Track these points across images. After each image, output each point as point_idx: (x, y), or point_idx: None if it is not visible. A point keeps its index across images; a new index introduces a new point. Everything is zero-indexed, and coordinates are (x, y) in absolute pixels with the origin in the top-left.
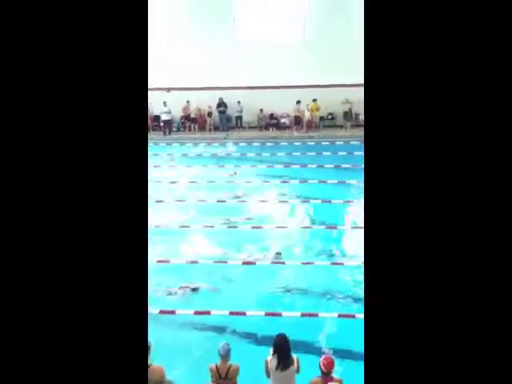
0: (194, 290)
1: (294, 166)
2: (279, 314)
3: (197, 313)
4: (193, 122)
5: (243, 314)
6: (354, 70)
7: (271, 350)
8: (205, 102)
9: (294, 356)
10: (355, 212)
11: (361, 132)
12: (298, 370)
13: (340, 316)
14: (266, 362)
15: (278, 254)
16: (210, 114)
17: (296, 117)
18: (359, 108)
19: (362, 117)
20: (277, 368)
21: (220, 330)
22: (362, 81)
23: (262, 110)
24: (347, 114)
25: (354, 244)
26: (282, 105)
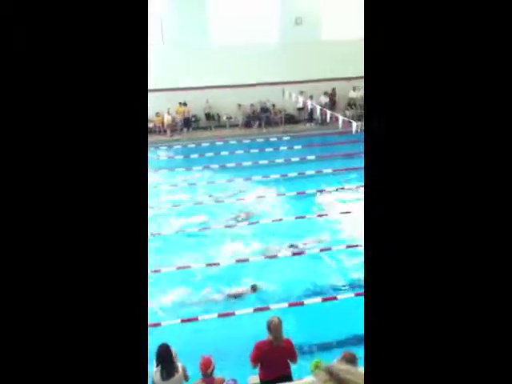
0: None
1: (162, 170)
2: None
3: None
4: None
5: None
6: (215, 72)
7: (155, 362)
8: None
9: (180, 364)
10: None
11: (222, 132)
12: (186, 379)
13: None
14: (152, 376)
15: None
16: None
17: (154, 122)
18: (220, 109)
19: (224, 117)
20: (162, 378)
21: None
22: (221, 82)
23: None
24: (209, 116)
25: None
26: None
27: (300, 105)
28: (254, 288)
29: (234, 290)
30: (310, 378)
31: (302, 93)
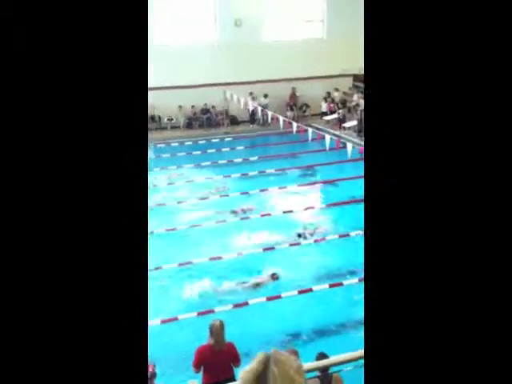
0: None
1: None
2: None
3: None
4: None
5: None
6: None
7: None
8: None
9: None
10: None
11: (164, 134)
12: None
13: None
14: None
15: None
16: None
17: None
18: (161, 111)
19: (165, 119)
20: None
21: None
22: (161, 83)
23: None
24: (153, 118)
25: None
26: None
27: (250, 107)
28: (274, 276)
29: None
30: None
31: (249, 93)
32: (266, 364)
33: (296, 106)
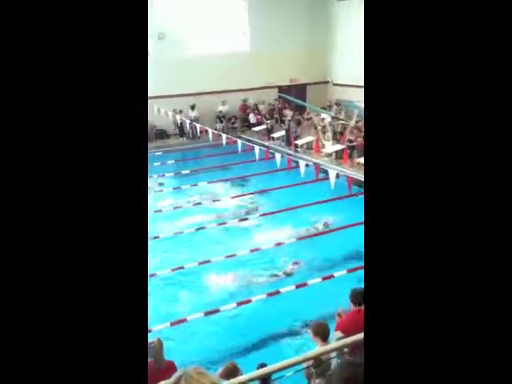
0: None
1: None
2: None
3: None
4: None
5: None
6: None
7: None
8: None
9: None
10: None
11: None
12: None
13: None
14: None
15: None
16: None
17: None
18: None
19: None
20: None
21: None
22: None
23: None
24: None
25: None
26: None
27: (177, 120)
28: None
29: None
30: None
31: (173, 110)
32: (178, 380)
33: (225, 118)
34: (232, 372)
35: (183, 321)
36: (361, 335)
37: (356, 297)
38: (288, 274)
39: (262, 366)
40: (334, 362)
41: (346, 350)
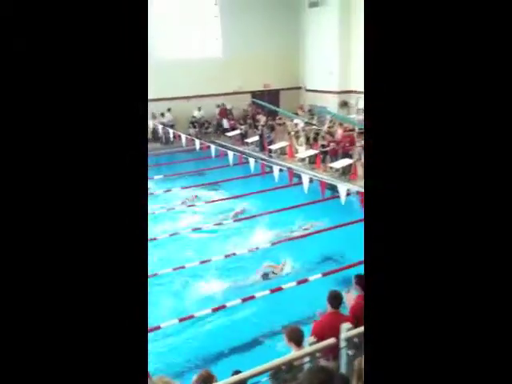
0: None
1: None
2: None
3: None
4: None
5: None
6: None
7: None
8: None
9: None
10: None
11: None
12: None
13: None
14: None
15: None
16: None
17: None
18: None
19: None
20: None
21: None
22: None
23: None
24: None
25: None
26: None
27: (150, 125)
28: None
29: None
30: None
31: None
32: None
33: (198, 123)
34: (207, 379)
35: (157, 328)
36: (333, 339)
37: (334, 299)
38: (265, 278)
39: (237, 372)
40: (307, 367)
41: (317, 354)
